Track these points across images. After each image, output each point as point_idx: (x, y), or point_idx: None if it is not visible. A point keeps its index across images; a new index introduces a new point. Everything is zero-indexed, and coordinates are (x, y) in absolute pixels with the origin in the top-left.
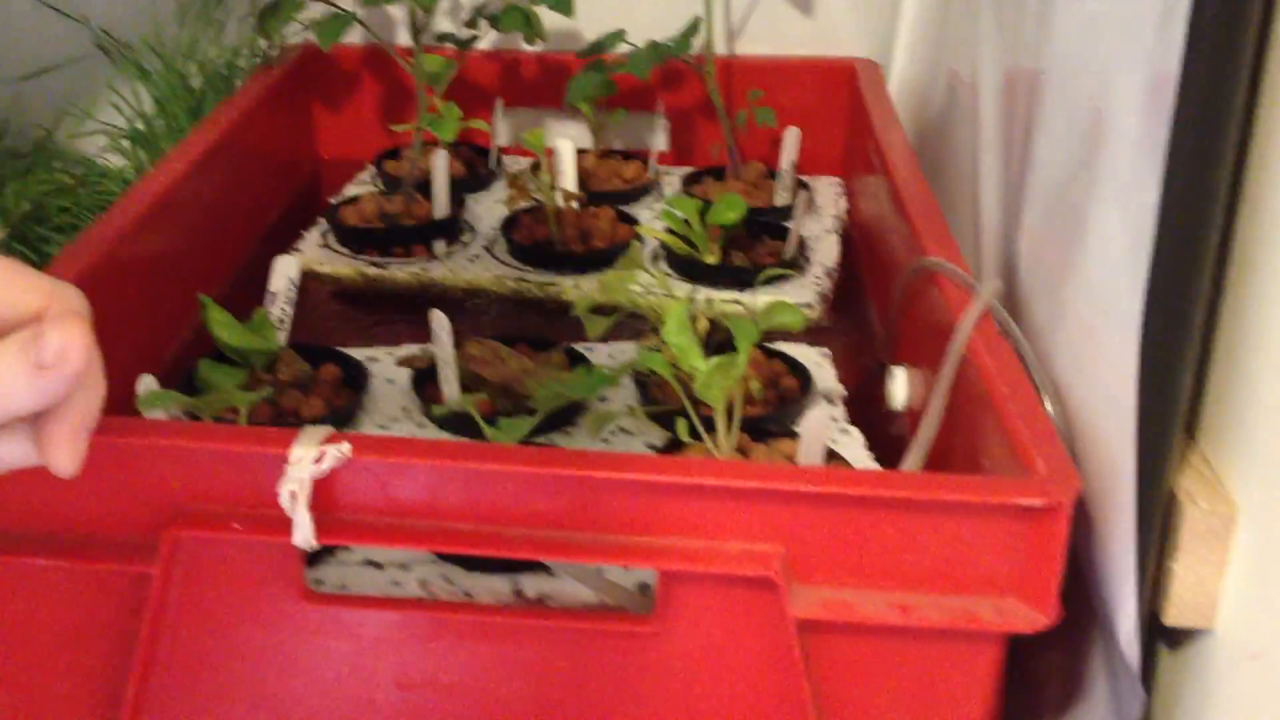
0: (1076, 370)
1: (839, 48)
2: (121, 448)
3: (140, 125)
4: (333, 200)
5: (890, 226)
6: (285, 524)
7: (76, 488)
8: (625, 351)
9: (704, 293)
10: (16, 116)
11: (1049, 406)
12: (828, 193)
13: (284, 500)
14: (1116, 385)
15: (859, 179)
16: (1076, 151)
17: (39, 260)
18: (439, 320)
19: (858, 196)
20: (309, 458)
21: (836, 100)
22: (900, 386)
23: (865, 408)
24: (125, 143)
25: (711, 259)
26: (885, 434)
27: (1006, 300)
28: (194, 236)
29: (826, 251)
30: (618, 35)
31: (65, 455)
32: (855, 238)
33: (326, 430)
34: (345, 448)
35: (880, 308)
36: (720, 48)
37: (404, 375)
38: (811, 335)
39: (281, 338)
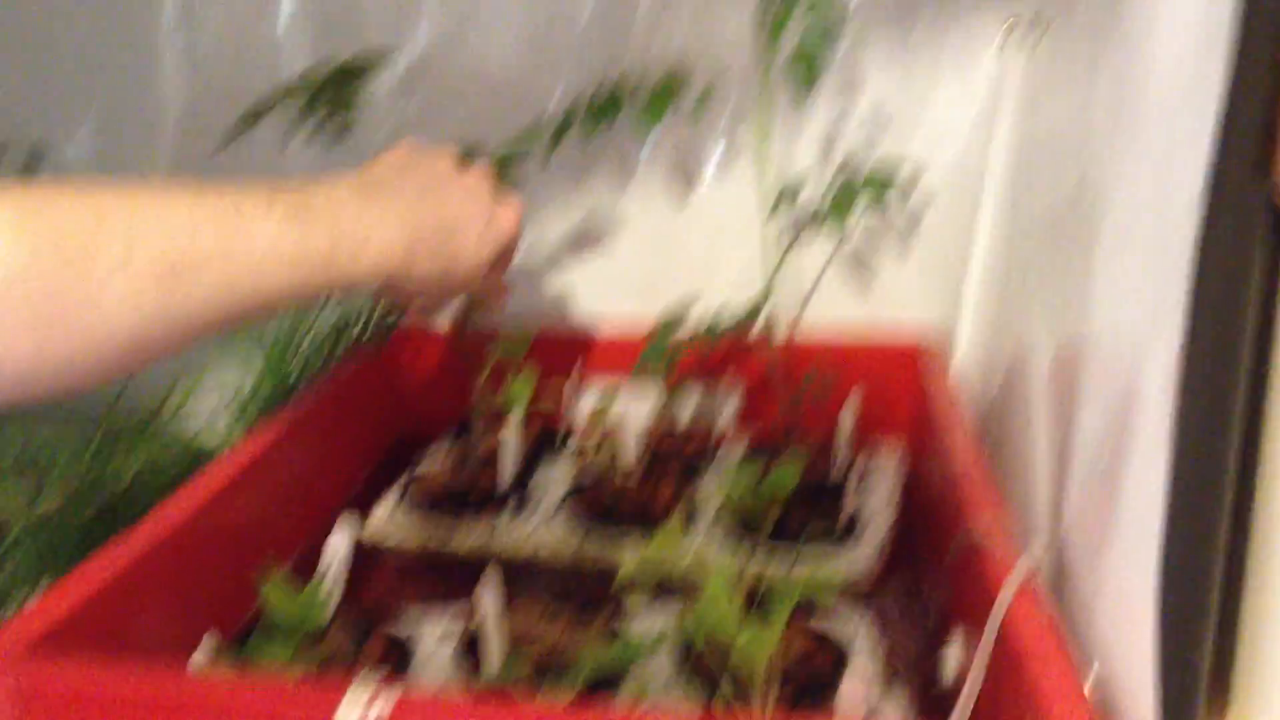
0: (1115, 634)
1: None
2: (179, 703)
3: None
4: (407, 472)
5: (945, 498)
6: None
7: None
8: (668, 620)
9: (758, 560)
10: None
11: (1088, 679)
12: (885, 464)
13: None
14: (1139, 657)
15: (920, 451)
16: (1113, 423)
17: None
18: (486, 591)
19: (918, 469)
20: (354, 716)
21: (900, 376)
22: (950, 661)
23: (911, 677)
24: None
25: (768, 525)
26: (933, 703)
27: (1053, 570)
28: (278, 505)
29: (882, 521)
30: (684, 312)
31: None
32: (913, 509)
33: (371, 688)
34: (389, 701)
35: (934, 579)
36: (784, 326)
37: (449, 646)
38: (861, 603)
39: (330, 609)
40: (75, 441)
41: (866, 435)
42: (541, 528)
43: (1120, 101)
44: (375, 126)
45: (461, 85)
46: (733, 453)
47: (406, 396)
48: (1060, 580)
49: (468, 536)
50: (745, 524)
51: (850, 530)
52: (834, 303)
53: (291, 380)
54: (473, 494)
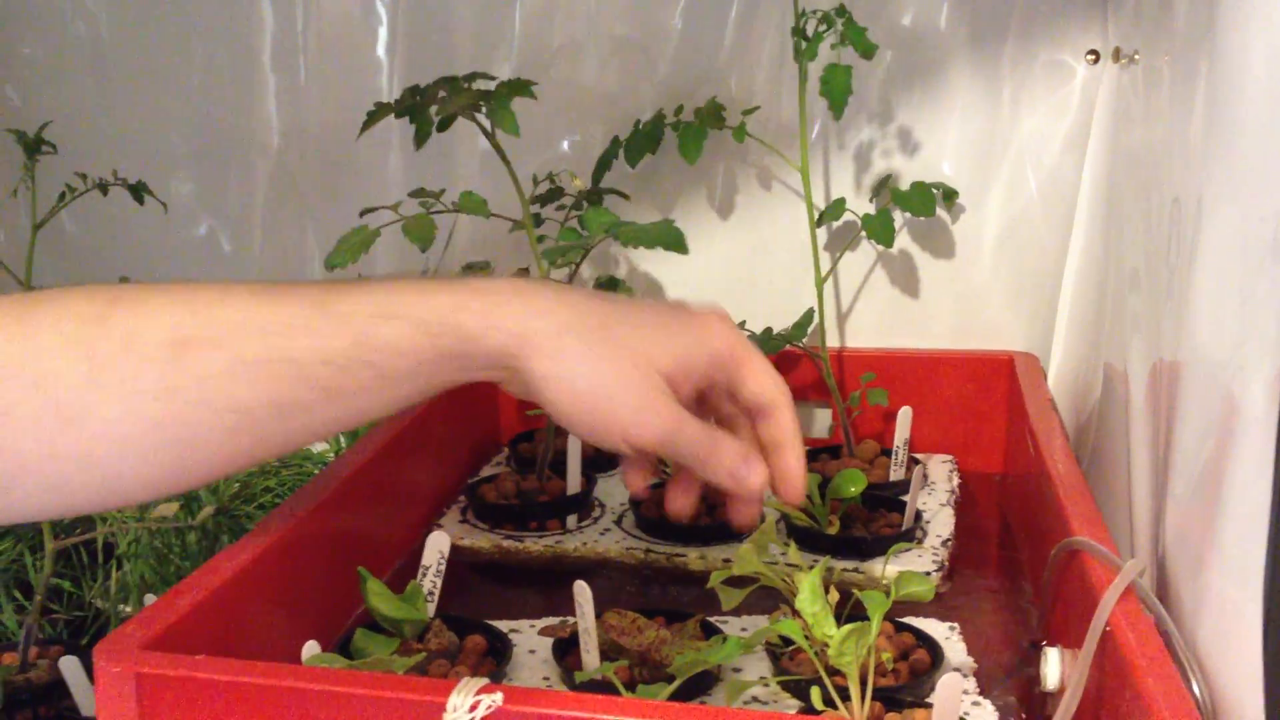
0: (1219, 647)
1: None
2: (292, 692)
3: None
4: (470, 480)
5: (1044, 505)
6: None
7: None
8: (758, 624)
9: (823, 563)
10: None
11: (1195, 686)
12: (941, 469)
13: None
14: (1245, 671)
15: (1015, 463)
16: (1213, 439)
17: (238, 534)
18: (582, 591)
19: (1014, 481)
20: (465, 706)
21: (997, 385)
22: (1053, 667)
23: (1005, 683)
24: None
25: (832, 530)
26: (1030, 712)
27: (1155, 580)
28: (379, 512)
29: (942, 524)
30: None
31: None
32: (1012, 521)
33: (482, 681)
34: (498, 697)
35: (1035, 588)
36: (833, 340)
37: (546, 645)
38: (941, 609)
39: (431, 609)
40: None
41: (964, 444)
42: (611, 531)
43: (1216, 122)
44: (466, 147)
45: (546, 109)
46: None
47: (506, 404)
48: (1160, 594)
49: (539, 539)
50: (810, 526)
51: (914, 531)
52: (927, 325)
53: None
54: (540, 498)
